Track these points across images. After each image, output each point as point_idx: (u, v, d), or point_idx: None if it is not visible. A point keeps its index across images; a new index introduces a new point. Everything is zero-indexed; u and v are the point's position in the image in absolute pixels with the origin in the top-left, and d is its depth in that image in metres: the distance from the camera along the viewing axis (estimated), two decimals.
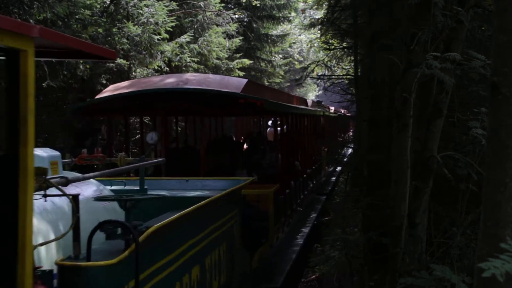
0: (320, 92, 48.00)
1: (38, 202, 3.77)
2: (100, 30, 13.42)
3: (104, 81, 14.28)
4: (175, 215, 4.82)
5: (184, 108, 12.86)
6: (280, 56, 31.32)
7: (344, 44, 16.71)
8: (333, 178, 25.52)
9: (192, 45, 17.11)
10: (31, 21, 10.82)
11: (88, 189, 5.38)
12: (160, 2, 15.11)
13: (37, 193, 3.57)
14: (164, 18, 14.83)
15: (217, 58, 18.71)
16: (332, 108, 32.84)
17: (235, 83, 10.83)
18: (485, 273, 2.22)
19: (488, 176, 2.81)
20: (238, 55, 21.70)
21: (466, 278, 5.73)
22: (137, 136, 15.80)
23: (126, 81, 12.04)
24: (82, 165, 6.83)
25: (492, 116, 2.76)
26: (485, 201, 2.82)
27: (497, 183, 2.70)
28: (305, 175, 17.14)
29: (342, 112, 29.55)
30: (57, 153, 5.00)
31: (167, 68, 16.06)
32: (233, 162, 12.31)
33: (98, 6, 13.82)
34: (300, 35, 37.13)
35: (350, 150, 19.96)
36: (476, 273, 2.88)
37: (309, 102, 22.22)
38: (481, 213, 2.87)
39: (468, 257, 7.17)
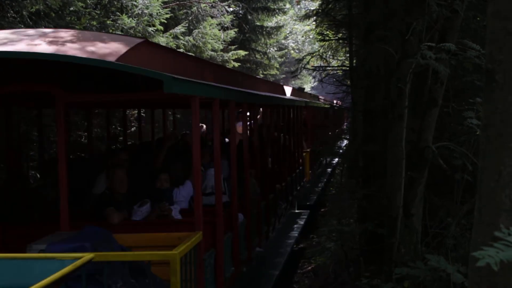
0: (315, 83, 48.01)
1: None
2: (94, 22, 13.36)
3: None
4: None
5: (25, 91, 6.91)
6: (275, 48, 31.28)
7: (339, 35, 16.70)
8: (325, 177, 21.40)
9: (187, 37, 17.05)
10: (24, 13, 10.75)
11: None
12: None
13: None
14: (159, 9, 14.77)
15: (212, 50, 18.66)
16: (321, 98, 30.05)
17: (115, 45, 5.93)
18: (480, 262, 2.21)
19: (482, 164, 2.79)
20: (233, 47, 21.67)
21: (461, 268, 5.76)
22: (133, 129, 15.75)
23: None
24: None
25: (487, 103, 2.74)
26: (480, 190, 2.80)
27: (491, 171, 2.68)
28: (272, 195, 11.03)
29: (335, 103, 28.04)
30: None
31: None
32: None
33: None
34: (294, 25, 37.12)
35: (345, 144, 19.75)
36: (471, 262, 2.87)
37: (288, 90, 17.18)
38: (476, 202, 2.85)
39: (463, 247, 7.18)
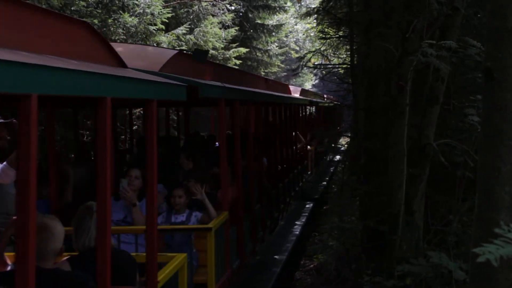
0: (317, 81, 48.01)
1: None
2: (96, 21, 13.38)
3: None
4: None
5: None
6: (276, 45, 31.29)
7: (340, 33, 16.68)
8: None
9: (188, 36, 17.06)
10: None
11: None
12: None
13: None
14: (160, 8, 14.78)
15: (213, 48, 18.68)
16: (295, 90, 20.26)
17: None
18: (480, 258, 2.23)
19: (481, 161, 2.81)
20: (234, 45, 21.68)
21: (463, 265, 5.77)
22: (134, 127, 15.73)
23: None
24: None
25: (486, 101, 2.75)
26: (479, 186, 2.82)
27: (490, 168, 2.69)
28: None
29: (326, 98, 22.28)
30: None
31: None
32: None
33: None
34: (296, 24, 37.11)
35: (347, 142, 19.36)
36: (471, 258, 2.89)
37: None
38: (476, 199, 2.87)
39: (465, 244, 7.20)
